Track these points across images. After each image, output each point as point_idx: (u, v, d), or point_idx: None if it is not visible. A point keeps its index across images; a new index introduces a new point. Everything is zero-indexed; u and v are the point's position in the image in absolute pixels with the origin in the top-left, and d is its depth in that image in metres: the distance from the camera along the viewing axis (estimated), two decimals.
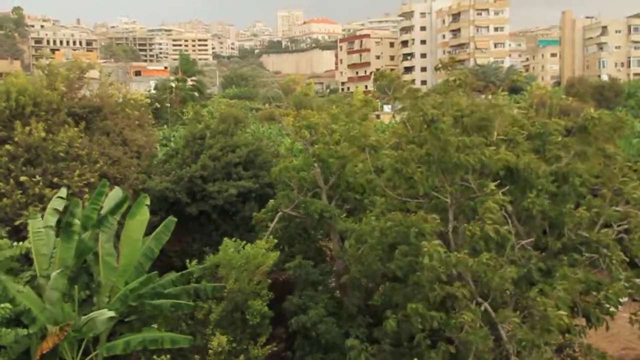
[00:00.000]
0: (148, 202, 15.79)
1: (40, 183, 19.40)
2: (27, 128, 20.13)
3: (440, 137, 12.77)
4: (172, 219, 16.77)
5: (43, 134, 20.02)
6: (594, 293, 12.80)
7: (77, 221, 14.54)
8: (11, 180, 19.51)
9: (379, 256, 14.50)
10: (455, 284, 12.04)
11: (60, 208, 15.43)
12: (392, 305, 14.10)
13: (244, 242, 17.44)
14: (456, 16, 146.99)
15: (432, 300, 12.03)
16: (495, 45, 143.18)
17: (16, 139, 19.94)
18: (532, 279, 12.60)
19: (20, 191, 19.38)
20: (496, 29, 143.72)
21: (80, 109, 21.98)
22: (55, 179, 19.56)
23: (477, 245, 11.93)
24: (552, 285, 11.97)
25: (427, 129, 13.00)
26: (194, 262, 17.49)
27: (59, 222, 15.41)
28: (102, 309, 14.31)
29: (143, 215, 15.69)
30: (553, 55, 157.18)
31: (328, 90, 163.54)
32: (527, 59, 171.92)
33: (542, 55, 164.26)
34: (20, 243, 14.38)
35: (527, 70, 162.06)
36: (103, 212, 15.20)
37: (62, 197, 15.83)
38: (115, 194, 15.54)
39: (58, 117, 21.03)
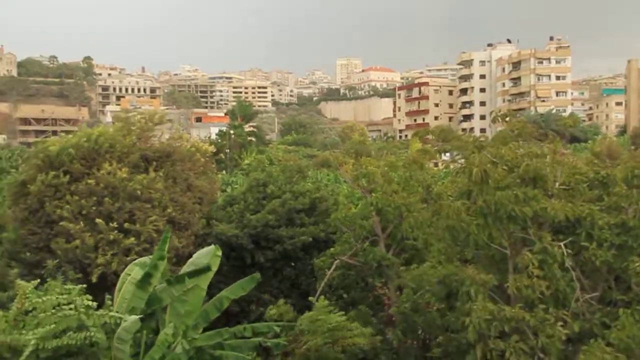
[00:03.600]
0: (219, 253, 15.90)
1: (115, 231, 19.97)
2: (110, 167, 20.94)
3: (493, 188, 12.76)
4: (256, 276, 16.61)
5: (125, 175, 20.81)
6: None
7: (156, 276, 14.83)
8: (81, 222, 20.14)
9: (435, 306, 14.45)
10: (512, 337, 11.90)
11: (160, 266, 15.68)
12: (450, 357, 13.99)
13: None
14: (516, 64, 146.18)
15: (488, 355, 11.90)
16: (557, 93, 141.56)
17: (98, 175, 20.72)
18: (593, 333, 12.34)
19: (89, 233, 19.94)
20: (558, 78, 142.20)
21: (152, 153, 22.83)
22: (127, 225, 20.13)
23: (532, 299, 11.79)
24: (610, 336, 11.68)
25: (481, 180, 13.01)
26: (272, 310, 17.51)
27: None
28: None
29: (214, 267, 15.75)
30: (618, 104, 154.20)
31: (385, 138, 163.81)
32: (591, 108, 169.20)
33: (607, 104, 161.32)
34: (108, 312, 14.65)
35: (590, 119, 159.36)
36: (185, 268, 15.41)
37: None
38: (207, 252, 15.70)
39: (131, 159, 21.86)
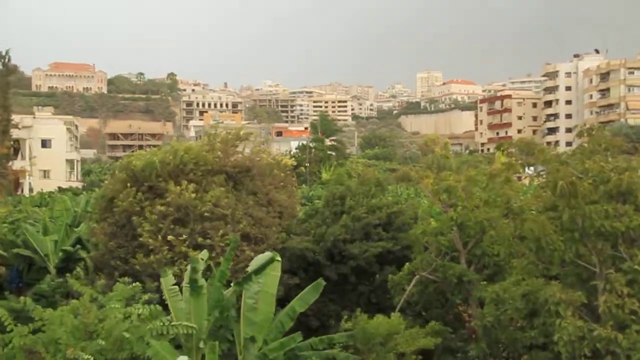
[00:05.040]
0: (279, 258, 16.20)
1: (186, 243, 20.42)
2: (179, 188, 21.40)
3: (581, 203, 12.33)
4: (320, 282, 16.88)
5: (193, 195, 21.22)
6: None
7: (202, 279, 15.22)
8: (159, 237, 20.69)
9: (519, 323, 14.07)
10: (606, 358, 11.42)
11: (199, 268, 16.09)
12: None
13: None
14: (605, 75, 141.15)
15: None
16: None
17: (168, 199, 21.24)
18: None
19: (167, 248, 20.47)
20: None
21: (231, 168, 23.18)
22: (200, 239, 20.52)
23: (624, 319, 11.30)
24: None
25: (568, 194, 12.59)
26: (347, 322, 17.56)
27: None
28: None
29: (275, 270, 16.06)
30: None
31: (467, 151, 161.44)
32: None
33: None
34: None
35: None
36: (250, 269, 15.77)
37: (202, 259, 16.58)
38: (265, 256, 16.06)
39: (217, 180, 22.25)
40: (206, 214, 21.04)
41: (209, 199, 21.23)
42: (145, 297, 14.19)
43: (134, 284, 15.17)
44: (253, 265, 15.91)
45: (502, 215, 16.86)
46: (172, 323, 13.18)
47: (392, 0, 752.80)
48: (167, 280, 16.07)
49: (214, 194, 21.45)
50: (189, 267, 15.72)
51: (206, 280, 15.85)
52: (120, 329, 12.12)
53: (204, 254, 17.09)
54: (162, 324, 12.82)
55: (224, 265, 15.95)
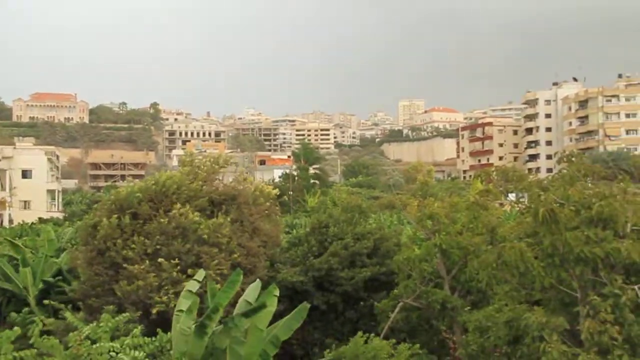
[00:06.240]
0: (277, 293, 15.94)
1: (178, 267, 20.25)
2: (182, 209, 21.36)
3: (562, 229, 12.47)
4: (305, 306, 16.58)
5: (197, 217, 21.21)
6: None
7: (211, 326, 14.85)
8: (147, 261, 20.46)
9: (503, 350, 14.09)
10: None
11: (194, 290, 15.75)
12: None
13: (371, 335, 17.27)
14: (584, 103, 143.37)
15: None
16: (627, 132, 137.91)
17: (170, 214, 21.15)
18: None
19: (153, 274, 20.24)
20: (627, 115, 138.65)
21: (217, 196, 23.21)
22: (190, 271, 20.34)
23: (607, 344, 11.38)
24: None
25: (549, 221, 12.72)
26: (329, 354, 17.43)
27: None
28: None
29: (271, 306, 15.76)
30: None
31: (449, 178, 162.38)
32: None
33: None
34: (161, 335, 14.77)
35: None
36: (239, 307, 15.46)
37: (197, 280, 16.04)
38: (255, 286, 15.78)
39: (199, 203, 22.28)
40: (205, 236, 20.98)
41: (211, 224, 21.22)
42: (137, 329, 13.81)
43: (122, 315, 14.91)
44: (247, 296, 15.61)
45: (485, 242, 16.96)
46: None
47: (374, 29, 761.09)
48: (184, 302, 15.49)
49: (216, 221, 21.45)
50: (184, 291, 15.39)
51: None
52: None
53: (200, 273, 16.47)
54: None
55: (221, 300, 15.53)
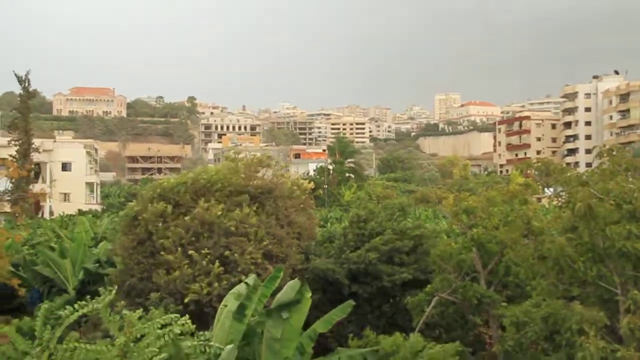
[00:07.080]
0: (309, 294, 15.81)
1: (207, 257, 20.59)
2: (206, 204, 21.73)
3: (601, 224, 12.25)
4: (349, 303, 16.48)
5: (220, 212, 21.53)
6: None
7: (250, 307, 14.99)
8: (179, 251, 20.82)
9: (540, 345, 13.93)
10: None
11: (243, 293, 15.83)
12: None
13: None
14: (625, 96, 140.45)
15: None
16: None
17: (195, 211, 21.53)
18: None
19: (187, 264, 20.57)
20: None
21: (254, 189, 23.58)
22: (227, 253, 20.72)
23: None
24: None
25: (585, 215, 12.51)
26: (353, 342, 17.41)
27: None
28: None
29: (305, 306, 15.66)
30: None
31: (486, 173, 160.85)
32: None
33: None
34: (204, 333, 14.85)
35: None
36: (276, 301, 15.50)
37: (247, 283, 16.06)
38: (293, 285, 15.78)
39: (240, 199, 22.71)
40: (232, 228, 21.32)
41: (236, 216, 21.56)
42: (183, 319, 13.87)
43: (171, 314, 15.00)
44: (284, 293, 15.62)
45: (522, 236, 16.74)
46: (210, 343, 13.12)
47: (410, 23, 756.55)
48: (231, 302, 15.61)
49: (241, 212, 21.79)
50: (233, 292, 15.60)
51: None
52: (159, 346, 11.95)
53: (251, 278, 16.45)
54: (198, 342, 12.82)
55: (263, 294, 15.61)
